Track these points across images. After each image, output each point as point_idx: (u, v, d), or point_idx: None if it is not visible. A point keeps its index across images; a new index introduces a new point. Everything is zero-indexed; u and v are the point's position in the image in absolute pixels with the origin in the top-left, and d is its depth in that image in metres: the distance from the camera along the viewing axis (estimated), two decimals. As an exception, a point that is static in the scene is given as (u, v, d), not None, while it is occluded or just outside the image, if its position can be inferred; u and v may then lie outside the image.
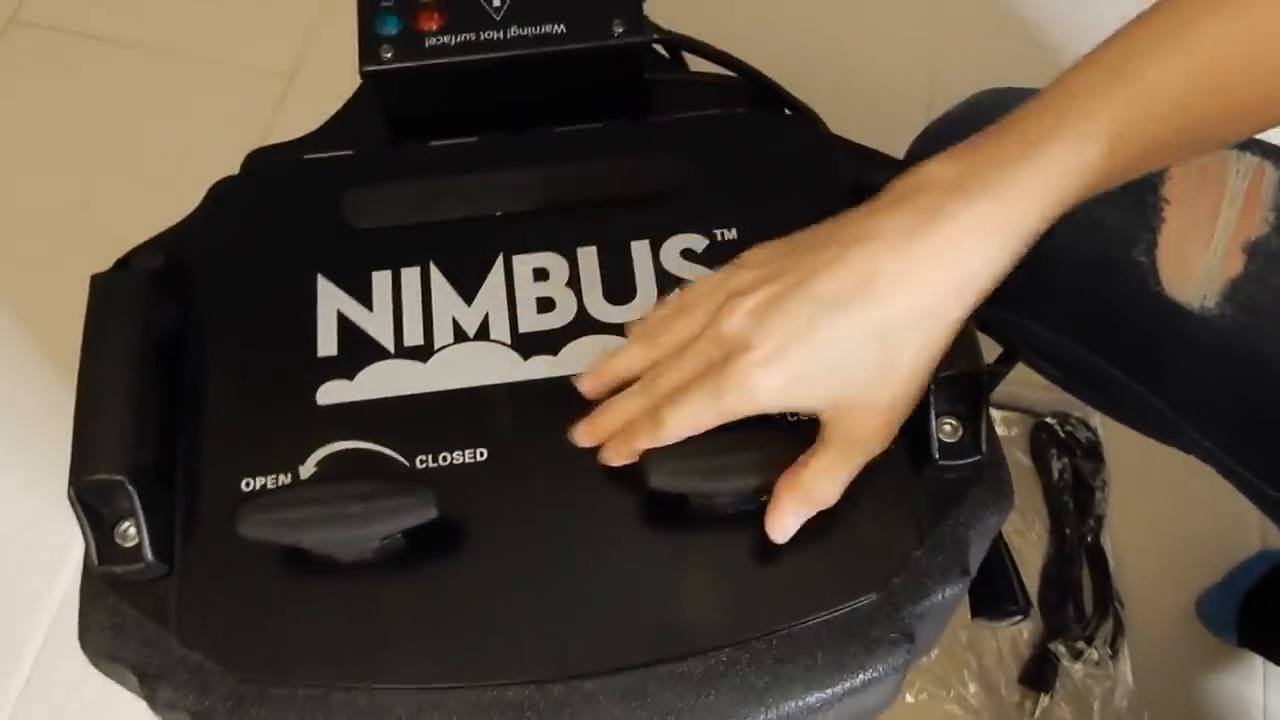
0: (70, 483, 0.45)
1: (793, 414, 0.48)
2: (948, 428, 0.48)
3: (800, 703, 0.45)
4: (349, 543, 0.45)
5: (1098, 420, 0.94)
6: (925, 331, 0.44)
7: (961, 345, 0.47)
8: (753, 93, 0.62)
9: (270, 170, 0.56)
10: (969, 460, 0.48)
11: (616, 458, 0.47)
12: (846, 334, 0.44)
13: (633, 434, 0.46)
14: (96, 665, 0.47)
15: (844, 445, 0.45)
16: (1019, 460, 0.95)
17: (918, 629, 0.47)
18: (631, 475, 0.47)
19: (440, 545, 0.47)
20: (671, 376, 0.47)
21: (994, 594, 0.56)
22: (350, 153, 0.57)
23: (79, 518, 0.45)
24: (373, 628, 0.46)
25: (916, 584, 0.47)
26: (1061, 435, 0.93)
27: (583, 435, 0.48)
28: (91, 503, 0.45)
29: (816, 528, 0.47)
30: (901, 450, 0.48)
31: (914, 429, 0.48)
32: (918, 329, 0.44)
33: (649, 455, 0.45)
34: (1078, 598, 0.88)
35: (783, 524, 0.45)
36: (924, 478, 0.49)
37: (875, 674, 0.46)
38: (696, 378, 0.45)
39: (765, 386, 0.44)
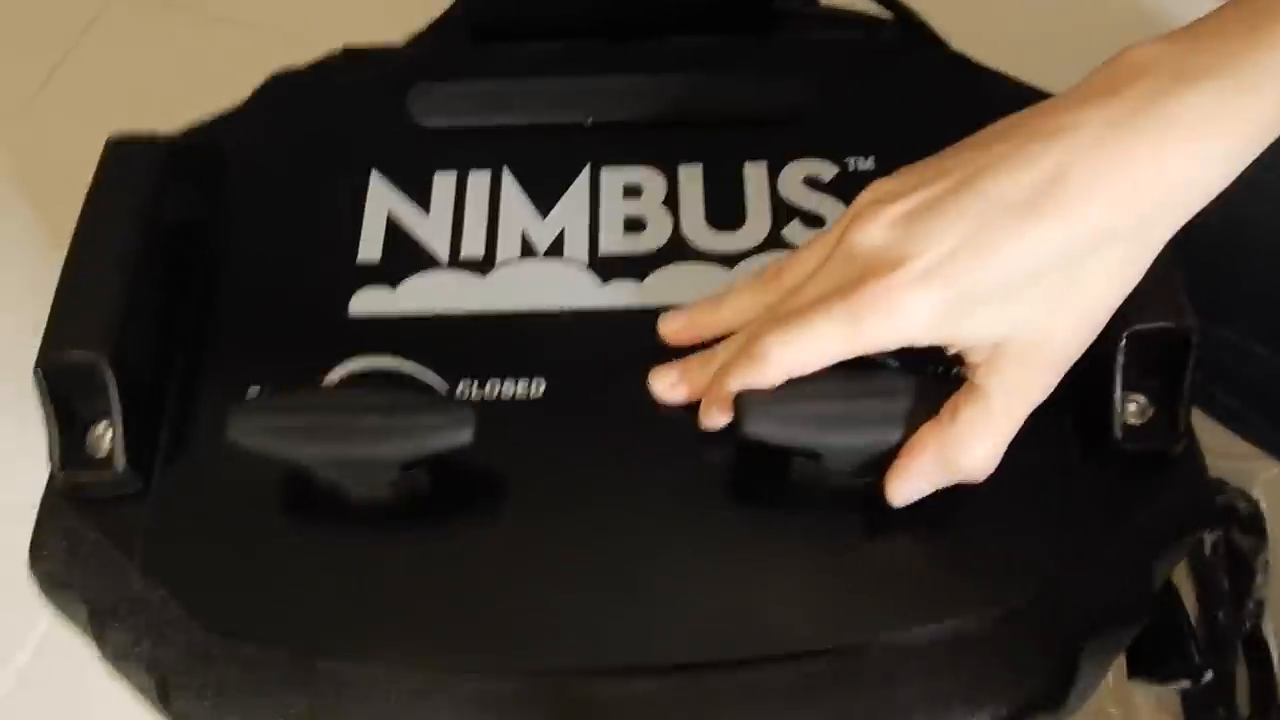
0: (37, 362, 0.37)
1: (938, 361, 0.37)
2: (1135, 405, 0.38)
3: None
4: (360, 467, 0.36)
5: (1259, 489, 0.81)
6: (1121, 254, 0.34)
7: (1163, 292, 0.36)
8: (899, 33, 0.53)
9: (330, 62, 0.49)
10: (1161, 449, 0.37)
11: (710, 412, 0.37)
12: (1022, 249, 0.33)
13: (729, 371, 0.36)
14: (46, 594, 0.38)
15: (1004, 395, 0.34)
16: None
17: (1078, 671, 0.35)
18: (721, 430, 0.37)
19: (473, 494, 0.38)
20: (787, 306, 0.37)
21: (1161, 645, 0.44)
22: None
23: (43, 407, 0.37)
24: (377, 588, 0.36)
25: (1077, 607, 0.36)
26: (1216, 505, 0.80)
27: (664, 385, 0.38)
28: (62, 391, 0.37)
29: (952, 515, 0.37)
30: (1065, 424, 0.38)
31: (1086, 395, 0.37)
32: (1112, 248, 0.33)
33: (745, 395, 0.35)
34: (1231, 697, 0.74)
35: (909, 485, 0.35)
36: (1097, 466, 0.37)
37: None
38: (821, 299, 0.35)
39: (916, 309, 0.34)
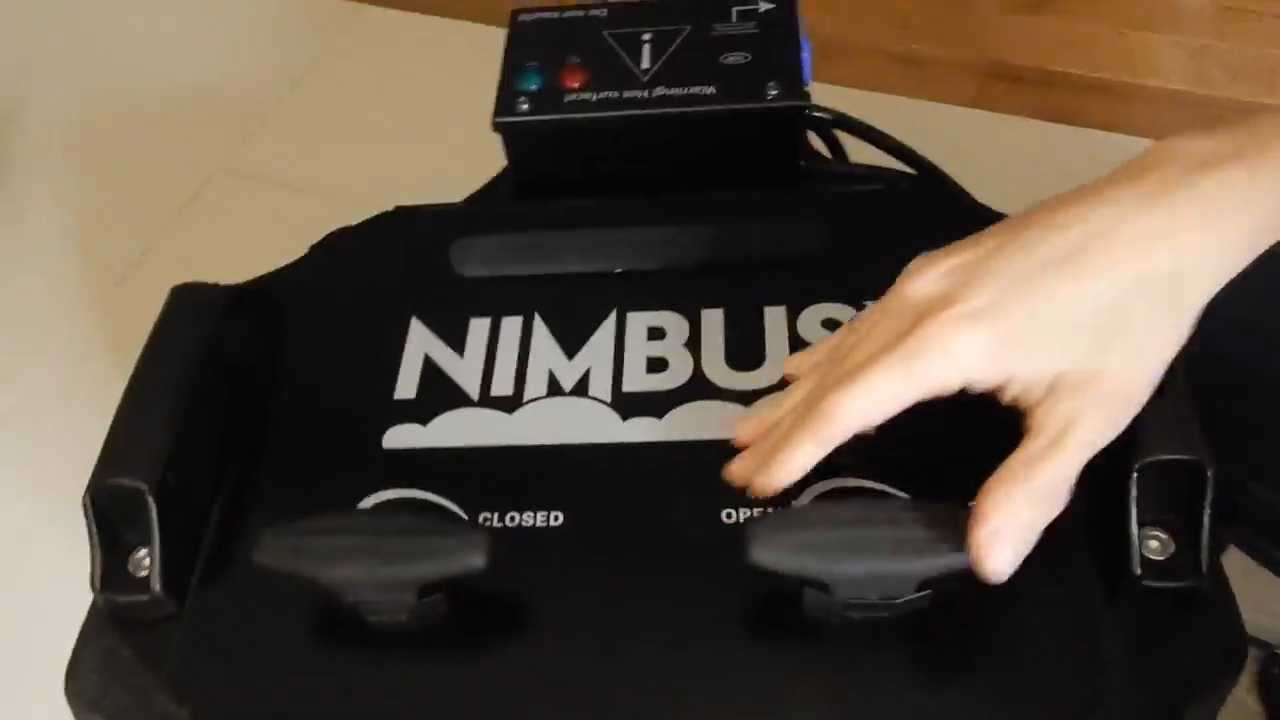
0: (87, 488, 0.39)
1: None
2: (1155, 541, 0.37)
3: None
4: (378, 589, 0.37)
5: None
6: (1160, 303, 0.35)
7: (1175, 424, 0.36)
8: (920, 186, 0.55)
9: (382, 219, 0.53)
10: (1185, 587, 0.36)
11: (771, 474, 0.37)
12: (1067, 293, 0.34)
13: (795, 432, 0.36)
14: (76, 713, 0.39)
15: (1067, 426, 0.34)
16: (1242, 700, 0.77)
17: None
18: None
19: (492, 623, 0.38)
20: (845, 365, 0.37)
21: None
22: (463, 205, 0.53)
23: (89, 528, 0.39)
24: (395, 715, 0.37)
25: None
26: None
27: (737, 468, 0.39)
28: (107, 516, 0.39)
29: (965, 650, 0.36)
30: (1087, 561, 0.37)
31: (1105, 531, 0.37)
32: (1152, 297, 0.34)
33: (751, 524, 0.36)
34: None
35: (1001, 552, 0.34)
36: (1119, 605, 0.37)
37: None
38: (878, 350, 0.36)
39: (969, 346, 0.34)
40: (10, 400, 0.95)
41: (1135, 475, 0.36)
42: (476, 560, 0.36)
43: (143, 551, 0.39)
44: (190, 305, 0.45)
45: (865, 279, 0.46)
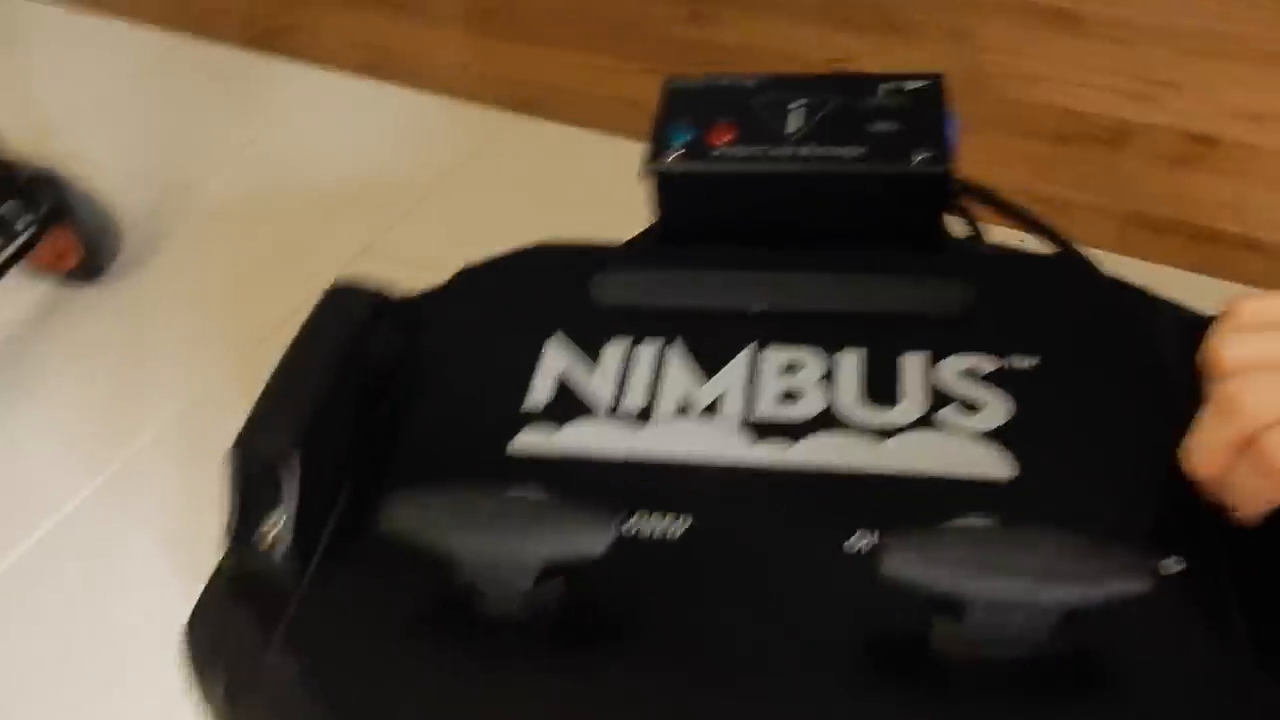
0: (233, 444, 0.41)
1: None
2: None
3: None
4: (498, 564, 0.37)
5: None
6: None
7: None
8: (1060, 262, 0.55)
9: (526, 252, 0.55)
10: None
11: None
12: None
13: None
14: (189, 662, 0.40)
15: None
16: None
17: None
18: (867, 588, 0.36)
19: (596, 626, 0.38)
20: None
21: None
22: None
23: (229, 482, 0.40)
24: (491, 705, 0.36)
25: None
26: None
27: None
28: (246, 475, 0.41)
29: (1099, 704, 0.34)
30: (1240, 627, 0.35)
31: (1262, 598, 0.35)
32: None
33: (886, 536, 0.35)
34: None
35: None
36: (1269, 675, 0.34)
37: None
38: None
39: None
40: (146, 439, 0.99)
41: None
42: (598, 545, 0.35)
43: (275, 514, 0.40)
44: (344, 302, 0.47)
45: (1010, 338, 0.46)
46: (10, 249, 1.06)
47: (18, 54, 1.50)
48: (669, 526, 0.40)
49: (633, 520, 0.40)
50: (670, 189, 0.55)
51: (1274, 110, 1.25)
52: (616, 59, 1.44)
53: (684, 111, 0.57)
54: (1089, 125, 1.29)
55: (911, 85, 0.56)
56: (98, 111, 1.44)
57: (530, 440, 0.44)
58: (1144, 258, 1.14)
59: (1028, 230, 0.56)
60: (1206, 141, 1.23)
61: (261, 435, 0.41)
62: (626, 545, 0.39)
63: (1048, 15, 1.44)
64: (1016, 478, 0.41)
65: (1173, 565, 0.37)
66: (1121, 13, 1.42)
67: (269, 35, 1.57)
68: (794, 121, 0.55)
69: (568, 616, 0.38)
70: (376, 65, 1.50)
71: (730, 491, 0.41)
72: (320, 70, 1.50)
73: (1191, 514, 0.37)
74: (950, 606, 0.34)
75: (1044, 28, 1.44)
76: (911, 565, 0.34)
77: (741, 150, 0.54)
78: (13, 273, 1.12)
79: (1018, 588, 0.33)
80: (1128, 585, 0.33)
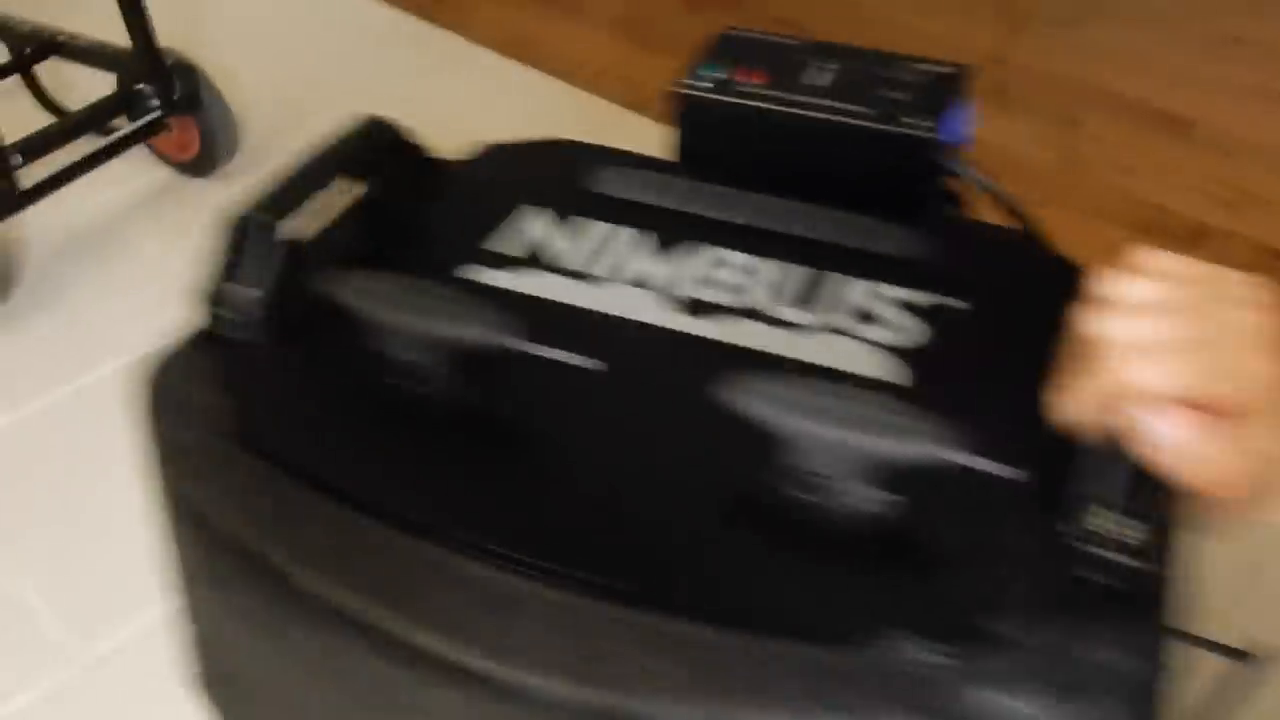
0: (230, 215, 0.47)
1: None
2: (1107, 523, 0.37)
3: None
4: (419, 339, 0.42)
5: None
6: None
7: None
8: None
9: (550, 143, 0.60)
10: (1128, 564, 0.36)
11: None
12: None
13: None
14: (147, 401, 0.45)
15: None
16: None
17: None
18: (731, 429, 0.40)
19: (500, 418, 0.43)
20: None
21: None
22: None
23: (219, 243, 0.46)
24: (412, 461, 0.42)
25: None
26: None
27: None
28: (235, 242, 0.46)
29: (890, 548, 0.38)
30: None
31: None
32: None
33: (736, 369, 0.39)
34: None
35: None
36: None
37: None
38: None
39: None
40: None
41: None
42: (502, 337, 0.40)
43: (255, 278, 0.46)
44: (373, 129, 0.53)
45: (949, 283, 0.49)
46: (139, 124, 1.17)
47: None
48: (586, 361, 0.45)
49: (555, 351, 0.45)
50: (688, 114, 0.59)
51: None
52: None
53: (725, 54, 0.61)
54: (1170, 221, 1.29)
55: (938, 69, 0.60)
56: (256, 38, 1.57)
57: (483, 272, 0.49)
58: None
59: (1009, 215, 0.59)
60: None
61: (259, 212, 0.46)
62: (543, 367, 0.44)
63: (1159, 118, 1.45)
64: (903, 387, 0.44)
65: (1009, 471, 0.40)
66: (1230, 124, 1.43)
67: (435, 5, 1.69)
68: (817, 77, 0.59)
69: (476, 408, 0.43)
70: (521, 49, 1.59)
71: (638, 345, 0.46)
72: (471, 45, 1.60)
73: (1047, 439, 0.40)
74: (779, 443, 0.38)
75: (1152, 129, 1.45)
76: (740, 399, 0.38)
77: (758, 90, 0.58)
78: (138, 152, 1.23)
79: (831, 431, 0.37)
80: (939, 449, 0.36)
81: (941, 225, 0.56)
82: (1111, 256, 0.40)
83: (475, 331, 0.41)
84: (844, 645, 0.35)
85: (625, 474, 0.41)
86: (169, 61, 1.17)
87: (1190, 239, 1.27)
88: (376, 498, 0.40)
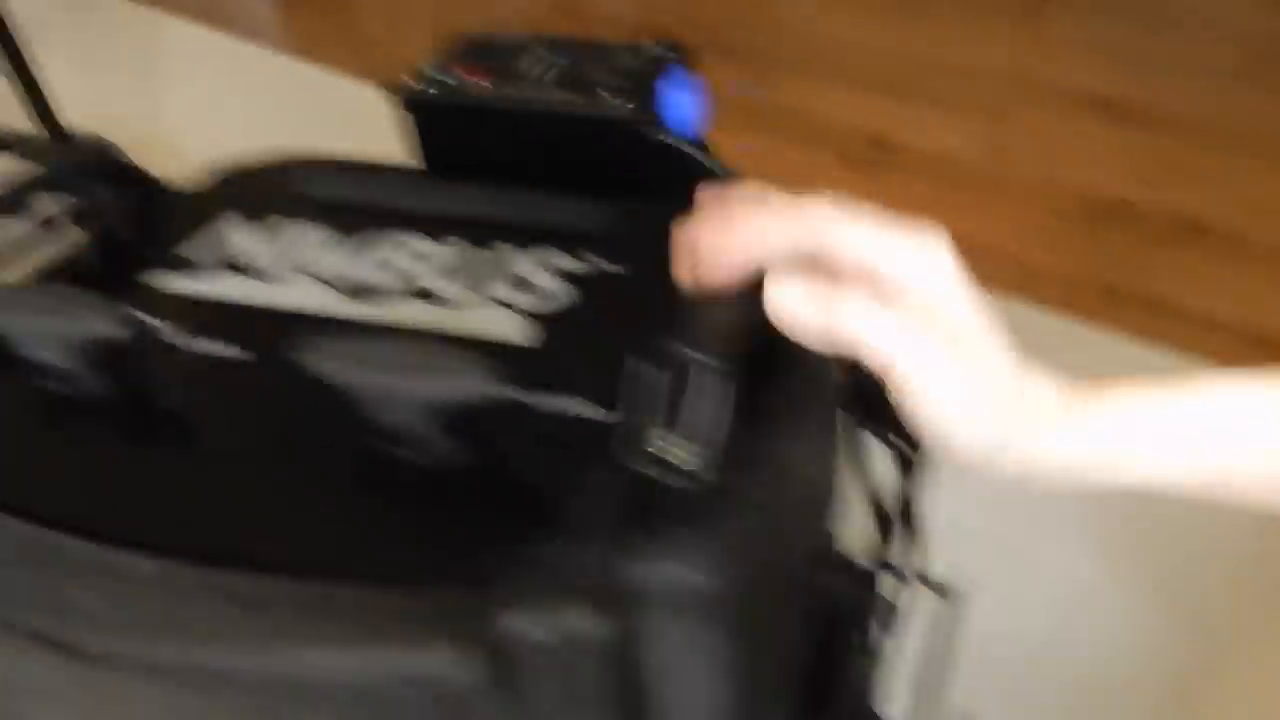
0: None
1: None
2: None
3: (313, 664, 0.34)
4: (42, 338, 0.43)
5: None
6: None
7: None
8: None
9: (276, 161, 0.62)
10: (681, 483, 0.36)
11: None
12: None
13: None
14: None
15: None
16: None
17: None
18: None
19: (145, 413, 0.44)
20: None
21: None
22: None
23: None
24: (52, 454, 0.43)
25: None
26: None
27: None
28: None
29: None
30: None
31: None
32: None
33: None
34: None
35: None
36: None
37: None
38: None
39: None
40: None
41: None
42: (111, 329, 0.42)
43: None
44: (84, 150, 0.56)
45: (611, 251, 0.50)
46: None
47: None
48: (236, 353, 0.46)
49: (202, 342, 0.46)
50: (418, 117, 0.61)
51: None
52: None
53: (452, 56, 0.63)
54: (1090, 198, 1.27)
55: (654, 52, 0.61)
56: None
57: (165, 276, 0.51)
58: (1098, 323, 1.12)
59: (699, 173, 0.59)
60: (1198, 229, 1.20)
61: None
62: (192, 361, 0.45)
63: (1084, 103, 1.44)
64: (531, 348, 0.44)
65: (591, 410, 0.40)
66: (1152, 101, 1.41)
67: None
68: (537, 70, 0.60)
69: (118, 403, 0.44)
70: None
71: (287, 334, 0.47)
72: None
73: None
74: (354, 400, 0.39)
75: (1078, 115, 1.44)
76: (315, 360, 0.39)
77: (479, 87, 0.60)
78: None
79: (384, 379, 0.38)
80: (488, 387, 0.37)
81: (640, 200, 0.56)
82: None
83: (96, 329, 0.42)
84: (400, 585, 0.35)
85: (247, 451, 0.42)
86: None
87: (1107, 214, 1.25)
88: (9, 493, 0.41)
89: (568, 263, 0.49)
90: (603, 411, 0.40)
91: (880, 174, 1.37)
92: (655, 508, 0.36)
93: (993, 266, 1.17)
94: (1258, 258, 1.14)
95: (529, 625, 0.34)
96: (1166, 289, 1.13)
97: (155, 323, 0.43)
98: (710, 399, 0.35)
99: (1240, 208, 1.19)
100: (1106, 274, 1.15)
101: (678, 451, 0.36)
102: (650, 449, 0.36)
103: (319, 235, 0.53)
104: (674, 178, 0.60)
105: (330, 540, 0.38)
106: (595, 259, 0.49)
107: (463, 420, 0.38)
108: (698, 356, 0.35)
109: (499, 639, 0.34)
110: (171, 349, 0.45)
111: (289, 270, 0.51)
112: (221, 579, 0.36)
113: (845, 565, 0.52)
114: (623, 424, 0.37)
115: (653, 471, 0.36)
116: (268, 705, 0.37)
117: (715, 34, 1.60)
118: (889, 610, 0.55)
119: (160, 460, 0.43)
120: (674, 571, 0.35)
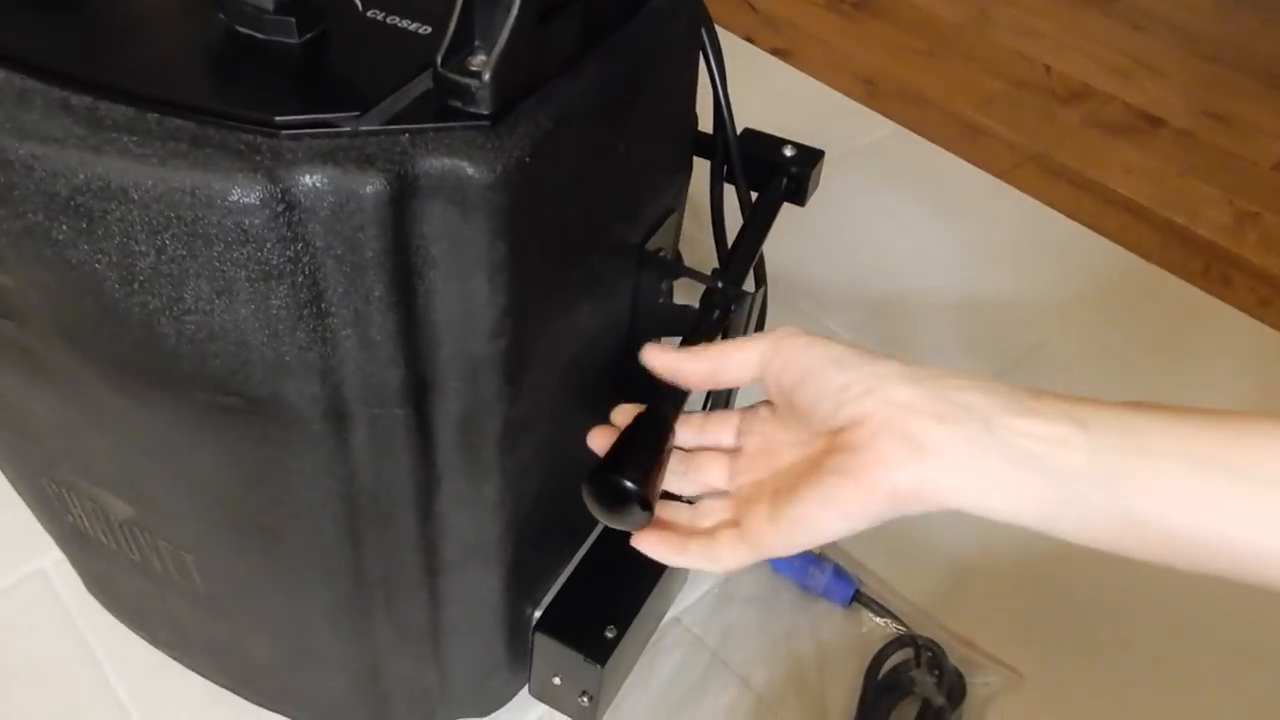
0: None
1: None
2: None
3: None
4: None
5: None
6: None
7: None
8: None
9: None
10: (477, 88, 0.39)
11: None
12: None
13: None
14: None
15: None
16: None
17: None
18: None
19: None
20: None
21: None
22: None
23: None
24: None
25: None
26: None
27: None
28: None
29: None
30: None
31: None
32: None
33: None
34: None
35: None
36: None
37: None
38: None
39: None
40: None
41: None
42: None
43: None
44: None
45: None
46: None
47: None
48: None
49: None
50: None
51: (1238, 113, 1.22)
52: None
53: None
54: (1052, 80, 1.28)
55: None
56: None
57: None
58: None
59: None
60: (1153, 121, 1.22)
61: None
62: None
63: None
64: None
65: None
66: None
67: None
68: None
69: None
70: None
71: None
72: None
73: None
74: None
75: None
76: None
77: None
78: None
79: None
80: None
81: None
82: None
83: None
84: (211, 120, 0.39)
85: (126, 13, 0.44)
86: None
87: (1068, 98, 1.26)
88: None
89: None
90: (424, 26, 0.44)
91: (865, 19, 1.37)
92: (449, 109, 0.40)
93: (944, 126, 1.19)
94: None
95: (313, 171, 0.38)
96: (1099, 171, 1.15)
97: None
98: (504, 9, 0.39)
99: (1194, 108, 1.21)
100: (1055, 151, 1.17)
101: (480, 59, 0.40)
102: (455, 60, 0.40)
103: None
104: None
105: (171, 84, 0.41)
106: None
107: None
108: None
109: (287, 180, 0.38)
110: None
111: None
112: (60, 95, 0.40)
113: (656, 259, 0.55)
114: (435, 35, 0.40)
115: (456, 78, 0.40)
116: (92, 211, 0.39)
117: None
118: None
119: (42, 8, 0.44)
120: (451, 163, 0.39)
